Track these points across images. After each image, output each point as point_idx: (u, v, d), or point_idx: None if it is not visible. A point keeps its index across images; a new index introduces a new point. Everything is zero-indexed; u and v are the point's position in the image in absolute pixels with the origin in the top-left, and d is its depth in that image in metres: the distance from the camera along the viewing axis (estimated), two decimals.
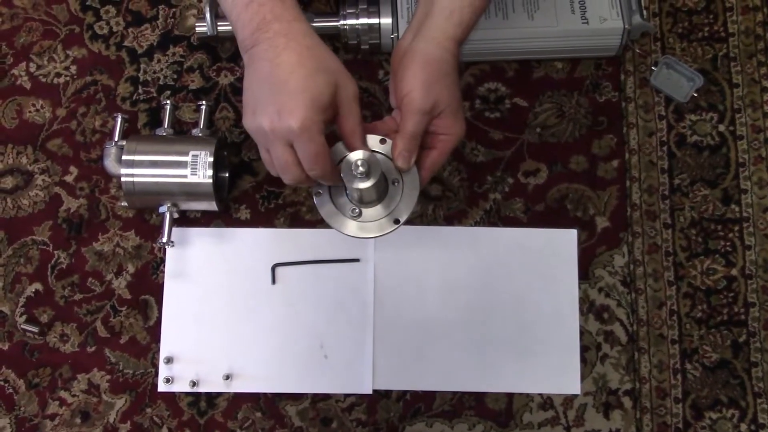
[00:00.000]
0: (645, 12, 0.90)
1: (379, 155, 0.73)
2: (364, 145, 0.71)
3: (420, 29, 0.73)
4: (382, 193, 0.73)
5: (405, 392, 0.88)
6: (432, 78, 0.71)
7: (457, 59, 0.73)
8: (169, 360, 0.88)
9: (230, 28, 0.76)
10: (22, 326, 0.89)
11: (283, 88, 0.65)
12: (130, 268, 0.91)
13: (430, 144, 0.75)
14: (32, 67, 0.96)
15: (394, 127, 0.74)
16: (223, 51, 0.96)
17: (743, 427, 0.86)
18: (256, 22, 0.68)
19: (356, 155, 0.70)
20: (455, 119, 0.73)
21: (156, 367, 0.88)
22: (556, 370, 0.87)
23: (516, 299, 0.89)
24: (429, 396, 0.87)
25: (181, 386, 0.87)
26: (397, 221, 0.73)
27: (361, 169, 0.69)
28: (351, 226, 0.74)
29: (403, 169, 0.73)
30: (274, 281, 0.89)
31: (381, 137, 0.73)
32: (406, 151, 0.72)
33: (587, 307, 0.89)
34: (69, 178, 0.93)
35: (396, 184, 0.74)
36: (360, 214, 0.73)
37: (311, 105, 0.65)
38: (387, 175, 0.74)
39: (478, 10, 0.73)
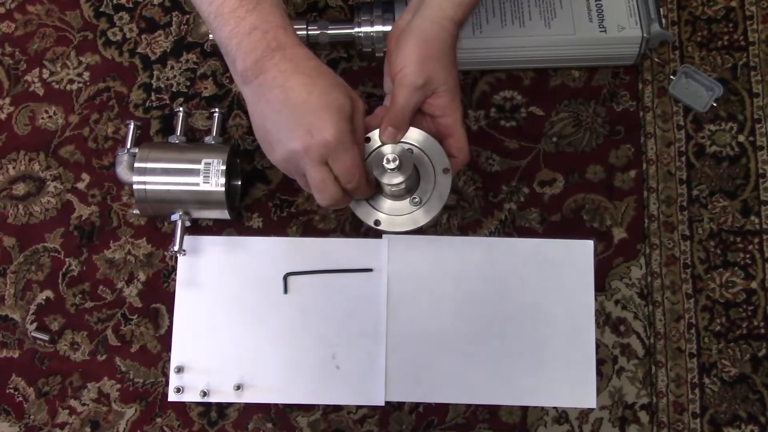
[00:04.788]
0: (664, 20, 0.89)
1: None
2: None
3: (418, 8, 0.72)
4: (413, 185, 0.74)
5: (418, 404, 0.87)
6: (427, 55, 0.70)
7: (455, 39, 0.72)
8: (179, 369, 0.87)
9: None
10: (32, 334, 0.89)
11: (305, 108, 0.65)
12: (142, 276, 0.90)
13: (437, 130, 0.74)
14: (45, 74, 0.96)
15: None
16: None
17: None
18: (260, 50, 0.66)
19: (387, 149, 0.71)
20: (452, 99, 0.72)
21: (166, 376, 0.87)
22: (571, 384, 0.86)
23: (531, 311, 0.87)
24: (442, 408, 0.86)
25: (191, 396, 0.86)
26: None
27: (392, 164, 0.69)
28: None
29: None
30: (286, 290, 0.88)
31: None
32: (392, 126, 0.71)
33: (603, 320, 0.88)
34: (81, 185, 0.92)
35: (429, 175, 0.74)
36: (419, 203, 0.74)
37: (339, 117, 0.65)
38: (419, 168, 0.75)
39: None
